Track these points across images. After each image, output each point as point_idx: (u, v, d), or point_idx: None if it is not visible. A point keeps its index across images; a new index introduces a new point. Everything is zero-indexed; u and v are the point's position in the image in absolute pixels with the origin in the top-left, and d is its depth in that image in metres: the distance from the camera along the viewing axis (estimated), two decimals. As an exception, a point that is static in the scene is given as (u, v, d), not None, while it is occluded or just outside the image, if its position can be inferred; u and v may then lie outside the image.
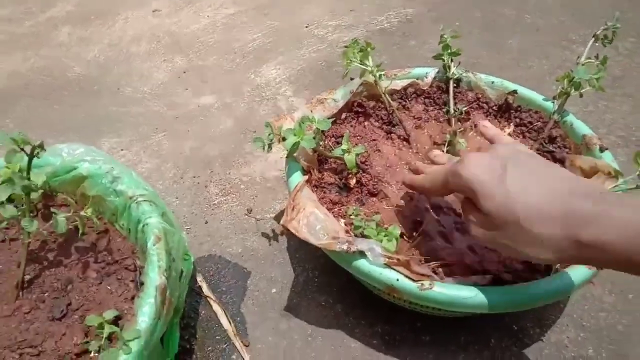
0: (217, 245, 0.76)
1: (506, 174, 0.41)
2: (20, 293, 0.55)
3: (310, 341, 0.63)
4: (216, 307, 0.68)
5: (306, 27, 1.26)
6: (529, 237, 0.39)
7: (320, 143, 0.65)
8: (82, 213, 0.56)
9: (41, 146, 0.53)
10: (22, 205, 0.54)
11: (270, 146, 0.63)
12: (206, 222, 0.79)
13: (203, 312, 0.68)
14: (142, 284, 0.53)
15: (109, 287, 0.57)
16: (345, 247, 0.52)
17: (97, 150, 0.65)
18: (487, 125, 0.57)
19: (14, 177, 0.54)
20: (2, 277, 0.57)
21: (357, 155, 0.63)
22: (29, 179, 0.54)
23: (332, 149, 0.65)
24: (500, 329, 0.63)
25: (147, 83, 1.08)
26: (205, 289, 0.70)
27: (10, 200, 0.53)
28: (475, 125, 0.71)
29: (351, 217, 0.56)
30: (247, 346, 0.64)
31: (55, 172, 0.63)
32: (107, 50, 1.19)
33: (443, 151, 0.68)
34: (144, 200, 0.59)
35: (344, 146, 0.63)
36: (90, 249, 0.60)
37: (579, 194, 0.38)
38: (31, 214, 0.54)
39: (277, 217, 0.80)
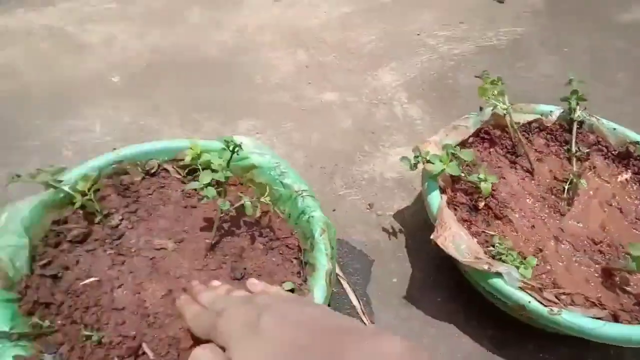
0: (344, 232, 0.88)
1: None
2: (208, 253, 0.68)
3: (426, 330, 0.76)
4: (346, 285, 0.81)
5: (417, 35, 1.34)
6: None
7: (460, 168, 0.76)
8: (261, 200, 0.69)
9: (240, 145, 0.65)
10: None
11: (415, 165, 0.75)
12: (334, 210, 0.91)
13: (334, 288, 0.81)
14: (306, 263, 0.67)
15: (273, 260, 0.70)
16: (486, 267, 0.63)
17: (265, 146, 0.77)
18: (254, 282, 0.58)
19: (219, 168, 0.67)
20: (190, 237, 0.70)
21: (491, 183, 0.74)
22: (229, 170, 0.67)
23: (467, 174, 0.75)
24: (600, 348, 0.74)
25: (274, 74, 1.20)
26: (338, 269, 0.83)
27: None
28: (594, 167, 0.80)
29: (496, 245, 0.67)
30: (372, 323, 0.77)
31: (233, 158, 0.76)
32: (237, 36, 1.31)
33: (564, 188, 0.77)
34: (308, 195, 0.72)
35: (481, 175, 0.73)
36: (255, 224, 0.73)
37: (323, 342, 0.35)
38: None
39: (397, 216, 0.92)
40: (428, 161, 0.73)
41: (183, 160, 0.74)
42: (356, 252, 0.86)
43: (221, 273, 0.66)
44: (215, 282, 0.59)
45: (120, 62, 1.20)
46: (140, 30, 1.30)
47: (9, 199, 0.63)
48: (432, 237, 0.66)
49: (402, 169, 0.99)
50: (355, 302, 0.79)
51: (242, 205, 0.68)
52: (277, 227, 0.73)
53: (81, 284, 0.60)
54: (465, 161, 0.75)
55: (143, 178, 0.73)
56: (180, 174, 0.75)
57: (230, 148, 0.63)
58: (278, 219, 0.74)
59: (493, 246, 0.69)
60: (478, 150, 0.85)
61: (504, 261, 0.65)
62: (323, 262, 0.63)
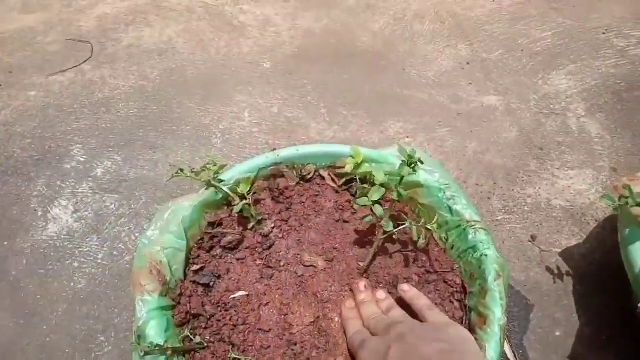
0: (499, 265, 0.78)
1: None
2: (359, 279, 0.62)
3: (596, 402, 0.64)
4: (499, 332, 0.71)
5: (604, 33, 1.14)
6: None
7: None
8: (428, 226, 0.61)
9: (420, 161, 0.57)
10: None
11: (621, 208, 0.61)
12: (489, 238, 0.81)
13: (484, 331, 0.71)
14: (470, 309, 0.58)
15: (430, 296, 0.62)
16: None
17: (435, 161, 0.68)
18: (406, 289, 0.56)
19: (388, 183, 0.60)
20: (341, 256, 0.64)
21: None
22: (402, 188, 0.60)
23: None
24: None
25: (430, 68, 1.09)
26: (490, 310, 0.73)
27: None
28: None
29: None
30: (527, 381, 0.67)
31: (392, 171, 0.68)
32: (392, 23, 1.22)
33: None
34: (481, 229, 0.62)
35: None
36: (412, 250, 0.65)
37: None
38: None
39: (564, 254, 0.79)
40: (638, 204, 0.59)
41: (341, 168, 0.69)
42: (513, 292, 0.75)
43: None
44: (381, 294, 0.58)
45: (272, 46, 1.18)
46: (294, 13, 1.27)
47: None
48: None
49: (574, 197, 0.85)
50: (509, 353, 0.69)
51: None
52: (436, 258, 0.65)
53: (231, 297, 0.58)
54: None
55: (298, 183, 0.69)
56: (335, 183, 0.70)
57: (408, 162, 0.55)
58: (437, 247, 0.66)
59: None
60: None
61: None
62: (498, 314, 0.53)
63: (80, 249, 0.82)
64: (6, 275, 0.80)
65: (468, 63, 1.10)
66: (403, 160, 0.55)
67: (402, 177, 0.55)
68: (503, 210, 0.84)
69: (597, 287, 0.74)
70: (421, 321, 0.51)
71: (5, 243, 0.84)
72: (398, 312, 0.54)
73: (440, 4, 1.26)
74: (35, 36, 1.27)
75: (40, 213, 0.88)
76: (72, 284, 0.78)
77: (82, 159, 0.96)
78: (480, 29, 1.18)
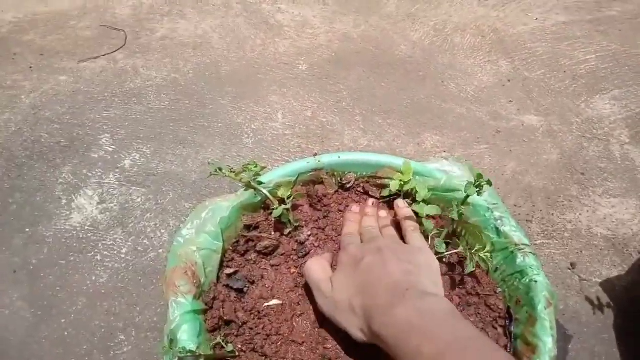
0: (537, 292, 0.74)
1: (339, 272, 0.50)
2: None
3: None
4: (535, 363, 0.68)
5: (650, 59, 1.11)
6: (344, 321, 0.47)
7: None
8: (481, 254, 0.58)
9: (490, 183, 0.54)
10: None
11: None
12: (526, 262, 0.78)
13: (519, 360, 0.68)
14: (515, 336, 0.55)
15: (470, 320, 0.59)
16: None
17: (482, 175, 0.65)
18: (401, 205, 0.60)
19: (455, 205, 0.56)
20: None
21: None
22: (462, 209, 0.56)
23: None
24: None
25: (470, 83, 1.07)
26: (526, 339, 0.70)
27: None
28: None
29: None
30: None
31: (435, 187, 0.65)
32: (432, 34, 1.19)
33: None
34: (531, 253, 0.59)
35: None
36: (455, 269, 0.62)
37: (388, 288, 0.44)
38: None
39: (605, 285, 0.75)
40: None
41: (382, 178, 0.66)
42: (552, 321, 0.72)
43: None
44: (383, 213, 0.62)
45: (308, 48, 1.16)
46: (333, 16, 1.25)
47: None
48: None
49: (616, 226, 0.81)
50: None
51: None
52: (477, 280, 0.62)
53: (265, 304, 0.55)
54: None
55: (336, 191, 0.66)
56: (375, 194, 0.67)
57: (476, 183, 0.52)
58: (479, 269, 0.63)
59: None
60: None
61: None
62: (549, 344, 0.50)
63: (104, 242, 0.80)
64: (26, 264, 0.78)
65: (509, 80, 1.07)
66: (469, 182, 0.52)
67: (467, 197, 0.52)
68: (542, 235, 0.81)
69: (639, 323, 0.70)
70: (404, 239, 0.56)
71: (27, 230, 0.82)
72: (390, 232, 0.57)
73: (482, 18, 1.23)
74: (69, 20, 1.26)
75: (64, 201, 0.86)
76: (93, 278, 0.76)
77: (110, 149, 0.94)
78: (523, 47, 1.15)
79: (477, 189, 0.52)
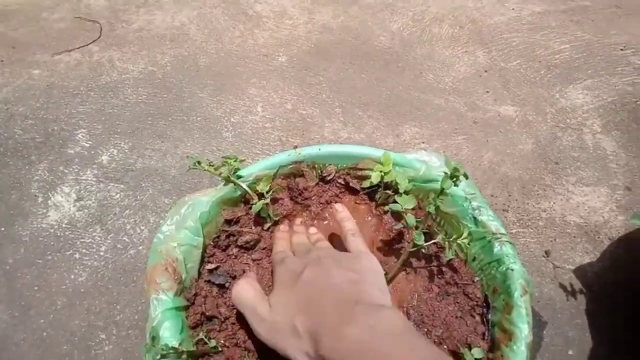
0: (513, 280, 0.76)
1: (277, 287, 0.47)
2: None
3: None
4: (510, 347, 0.70)
5: (621, 49, 1.13)
6: (288, 346, 0.42)
7: None
8: (458, 241, 0.59)
9: (466, 176, 0.55)
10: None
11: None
12: (503, 251, 0.79)
13: (496, 346, 0.70)
14: (492, 324, 0.56)
15: (450, 309, 0.60)
16: None
17: (460, 166, 0.66)
18: (338, 209, 0.59)
19: (431, 197, 0.57)
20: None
21: None
22: (441, 200, 0.57)
23: None
24: None
25: (448, 74, 1.08)
26: (503, 325, 0.72)
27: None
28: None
29: None
30: (539, 401, 0.65)
31: (415, 177, 0.66)
32: (411, 25, 1.20)
33: None
34: (507, 242, 0.60)
35: None
36: (434, 260, 0.63)
37: (335, 303, 0.41)
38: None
39: (578, 271, 0.78)
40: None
41: (362, 170, 0.66)
42: (527, 307, 0.74)
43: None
44: (313, 229, 0.60)
45: (288, 39, 1.15)
46: (312, 7, 1.24)
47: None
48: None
49: (588, 214, 0.84)
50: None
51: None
52: (455, 269, 0.63)
53: (247, 301, 0.56)
54: None
55: (317, 183, 0.66)
56: (356, 185, 0.67)
57: (452, 175, 0.52)
58: (457, 258, 0.64)
59: None
60: None
61: None
62: (525, 331, 0.51)
63: (82, 240, 0.79)
64: (2, 264, 0.77)
65: (486, 71, 1.08)
66: (446, 173, 0.52)
67: (442, 190, 0.53)
68: (517, 224, 0.83)
69: (610, 307, 0.73)
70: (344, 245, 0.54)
71: (2, 229, 0.81)
72: (324, 244, 0.55)
73: (460, 9, 1.24)
74: (41, 12, 1.23)
75: (40, 199, 0.85)
76: (72, 277, 0.75)
77: (87, 145, 0.93)
78: (499, 37, 1.16)
79: (453, 181, 0.53)
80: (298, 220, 0.62)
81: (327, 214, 0.66)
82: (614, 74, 1.08)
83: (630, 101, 1.02)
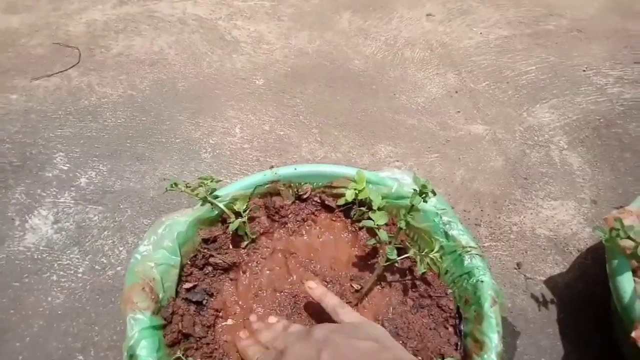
0: (486, 292, 0.78)
1: None
2: (357, 302, 0.61)
3: None
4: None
5: (584, 70, 1.19)
6: None
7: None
8: (430, 255, 0.61)
9: (434, 192, 0.57)
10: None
11: (612, 240, 0.63)
12: (476, 264, 0.82)
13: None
14: (465, 334, 0.58)
15: (424, 321, 0.62)
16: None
17: (427, 183, 0.69)
18: (312, 287, 0.55)
19: (402, 214, 0.59)
20: (337, 277, 0.64)
21: None
22: (411, 216, 0.59)
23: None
24: None
25: (420, 95, 1.12)
26: (477, 337, 0.73)
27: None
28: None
29: None
30: (514, 410, 0.67)
31: (388, 194, 0.68)
32: (384, 49, 1.24)
33: None
34: (477, 255, 0.62)
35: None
36: (409, 272, 0.65)
37: None
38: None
39: (548, 282, 0.80)
40: (629, 237, 0.61)
41: (337, 188, 0.68)
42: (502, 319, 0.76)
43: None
44: (272, 319, 0.56)
45: (265, 63, 1.18)
46: (288, 32, 1.28)
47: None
48: (632, 335, 0.55)
49: (557, 227, 0.87)
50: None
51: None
52: (429, 282, 0.65)
53: (223, 323, 0.57)
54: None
55: (293, 202, 0.68)
56: (332, 203, 0.69)
57: (421, 192, 0.55)
58: (430, 272, 0.66)
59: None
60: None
61: None
62: (495, 340, 0.53)
63: (60, 262, 0.79)
64: (-22, 286, 0.76)
65: (456, 92, 1.13)
66: (415, 190, 0.55)
67: (412, 206, 0.55)
68: (490, 237, 0.86)
69: (580, 316, 0.75)
70: (331, 321, 0.51)
71: (-21, 252, 0.80)
72: (297, 326, 0.53)
73: (430, 33, 1.29)
74: (19, 38, 1.24)
75: (17, 222, 0.84)
76: (49, 299, 0.75)
77: (65, 168, 0.93)
78: (469, 60, 1.21)
79: (422, 198, 0.55)
80: (252, 317, 0.57)
81: (303, 231, 0.67)
82: (578, 93, 1.14)
83: (594, 119, 1.07)
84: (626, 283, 0.61)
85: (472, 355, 0.54)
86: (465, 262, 0.61)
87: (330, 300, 0.53)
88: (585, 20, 1.37)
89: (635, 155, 0.99)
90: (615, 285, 0.62)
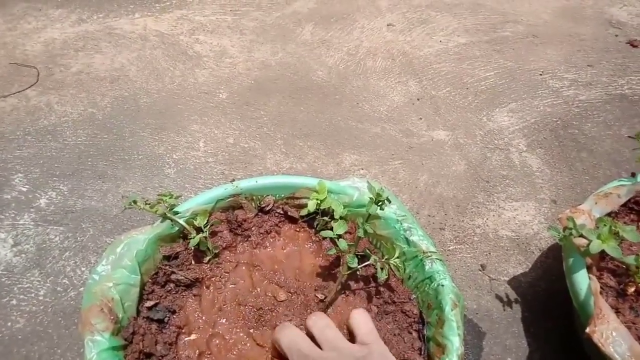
0: (452, 295, 0.80)
1: None
2: (323, 311, 0.62)
3: None
4: (453, 361, 0.73)
5: (540, 74, 1.23)
6: None
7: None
8: (391, 262, 0.62)
9: (389, 200, 0.58)
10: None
11: (566, 238, 0.65)
12: (442, 268, 0.83)
13: (439, 360, 0.72)
14: (428, 339, 0.59)
15: (389, 327, 0.63)
16: (651, 376, 0.53)
17: (392, 194, 0.70)
18: (310, 324, 0.55)
19: (360, 222, 0.60)
20: (301, 288, 0.64)
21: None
22: (368, 225, 0.60)
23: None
24: None
25: (383, 103, 1.13)
26: (445, 340, 0.74)
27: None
28: None
29: None
30: (482, 410, 0.68)
31: (349, 203, 0.69)
32: (346, 59, 1.26)
33: None
34: (437, 259, 0.64)
35: (645, 258, 0.62)
36: (371, 281, 0.66)
37: None
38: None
39: (512, 282, 0.82)
40: (581, 235, 0.63)
41: (300, 199, 0.69)
42: (466, 320, 0.77)
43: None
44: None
45: (228, 77, 1.18)
46: (251, 45, 1.28)
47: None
48: (587, 330, 0.56)
49: (519, 228, 0.89)
50: (465, 381, 0.70)
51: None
52: (393, 288, 0.66)
53: (186, 339, 0.56)
54: (623, 240, 0.64)
55: (256, 214, 0.68)
56: (295, 215, 0.69)
57: (377, 200, 0.55)
58: (394, 278, 0.67)
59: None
60: (624, 223, 0.74)
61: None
62: (456, 343, 0.54)
63: (20, 285, 0.77)
64: None
65: (418, 99, 1.15)
66: (371, 198, 0.55)
67: (369, 215, 0.56)
68: (454, 241, 0.87)
69: (543, 313, 0.77)
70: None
71: None
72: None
73: (391, 42, 1.32)
74: (-26, 59, 1.21)
75: (-26, 247, 0.82)
76: (9, 324, 0.72)
77: (24, 189, 0.91)
78: (429, 67, 1.24)
79: (379, 205, 0.56)
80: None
81: (267, 243, 0.67)
82: (535, 97, 1.17)
83: (551, 121, 1.11)
84: (581, 280, 0.63)
85: (435, 358, 0.55)
86: (427, 267, 0.62)
87: (329, 333, 0.53)
88: (540, 26, 1.42)
89: (591, 154, 1.03)
90: (571, 282, 0.64)
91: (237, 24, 1.36)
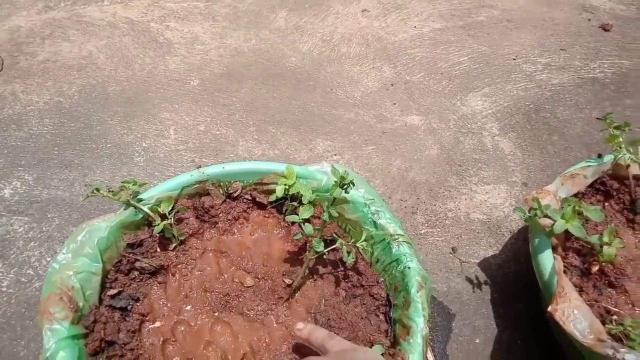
0: (424, 278, 0.80)
1: None
2: (289, 297, 0.61)
3: (515, 406, 0.67)
4: (423, 342, 0.73)
5: (514, 59, 1.23)
6: None
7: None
8: (358, 245, 0.62)
9: (353, 184, 0.58)
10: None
11: (531, 219, 0.65)
12: (414, 252, 0.83)
13: (411, 343, 0.73)
14: (395, 321, 0.59)
15: (356, 311, 0.63)
16: (610, 352, 0.53)
17: (361, 178, 0.70)
18: (300, 327, 0.55)
19: (325, 206, 0.59)
20: (269, 273, 0.63)
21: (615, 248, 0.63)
22: (333, 208, 0.59)
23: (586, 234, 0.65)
24: None
25: (357, 89, 1.13)
26: (416, 322, 0.75)
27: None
28: None
29: (629, 328, 0.57)
30: (452, 390, 0.69)
31: (318, 188, 0.69)
32: (320, 45, 1.25)
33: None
34: (405, 242, 0.64)
35: (606, 237, 0.63)
36: (340, 264, 0.66)
37: None
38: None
39: (482, 264, 0.83)
40: (546, 216, 0.63)
41: (267, 184, 0.68)
42: (436, 302, 0.77)
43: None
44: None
45: (200, 64, 1.16)
46: (223, 32, 1.26)
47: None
48: (549, 309, 0.57)
49: (490, 210, 0.90)
50: (432, 360, 0.71)
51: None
52: (361, 272, 0.66)
53: (150, 326, 0.55)
54: (588, 220, 0.65)
55: (224, 201, 0.67)
56: (264, 201, 0.69)
57: (341, 184, 0.55)
58: (362, 261, 0.67)
59: (611, 322, 0.59)
60: (591, 203, 0.75)
61: (631, 347, 0.55)
62: (420, 324, 0.54)
63: (-17, 278, 0.75)
64: None
65: (392, 84, 1.14)
66: (335, 181, 0.55)
67: (335, 199, 0.55)
68: (426, 224, 0.87)
69: (512, 294, 0.78)
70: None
71: None
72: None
73: (366, 28, 1.31)
74: (-64, 47, 1.17)
75: (-64, 239, 0.80)
76: (-28, 317, 0.71)
77: (-12, 180, 0.89)
78: (404, 53, 1.24)
79: (344, 189, 0.56)
80: None
81: (235, 230, 0.67)
82: (509, 81, 1.18)
83: (524, 105, 1.12)
84: (546, 260, 0.63)
85: (400, 340, 0.55)
86: (394, 250, 0.62)
87: (319, 334, 0.53)
88: (514, 10, 1.42)
89: (562, 137, 1.04)
90: (536, 262, 0.64)
91: (209, 10, 1.34)
